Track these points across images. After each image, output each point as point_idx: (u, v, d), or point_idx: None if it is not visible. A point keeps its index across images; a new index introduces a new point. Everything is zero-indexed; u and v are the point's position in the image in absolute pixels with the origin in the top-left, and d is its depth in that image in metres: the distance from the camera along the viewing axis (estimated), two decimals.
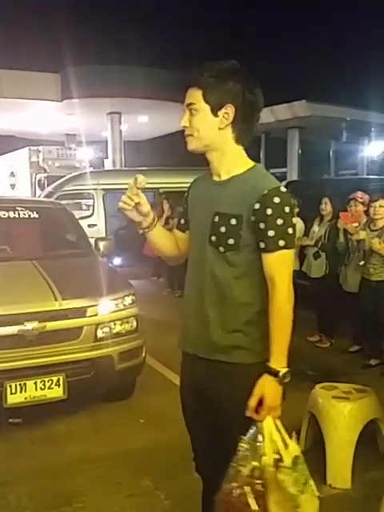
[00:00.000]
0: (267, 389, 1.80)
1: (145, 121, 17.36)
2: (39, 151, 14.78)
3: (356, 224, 5.20)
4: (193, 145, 1.92)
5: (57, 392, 3.63)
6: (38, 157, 14.66)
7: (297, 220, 6.17)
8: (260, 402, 1.79)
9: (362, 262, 5.04)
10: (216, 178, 1.96)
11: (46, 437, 3.75)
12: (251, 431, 1.79)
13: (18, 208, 4.84)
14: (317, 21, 32.39)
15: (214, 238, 1.88)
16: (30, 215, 4.85)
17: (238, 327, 1.87)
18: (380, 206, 4.86)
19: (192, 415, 2.08)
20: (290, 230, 1.82)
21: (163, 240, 2.09)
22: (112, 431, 3.84)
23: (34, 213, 4.89)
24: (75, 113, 14.91)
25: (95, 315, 3.85)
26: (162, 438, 3.69)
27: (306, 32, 31.39)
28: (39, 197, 11.86)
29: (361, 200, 5.48)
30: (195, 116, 1.88)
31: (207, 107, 1.86)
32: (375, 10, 30.22)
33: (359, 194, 5.59)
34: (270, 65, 25.70)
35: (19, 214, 4.80)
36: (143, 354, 4.21)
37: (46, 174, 14.06)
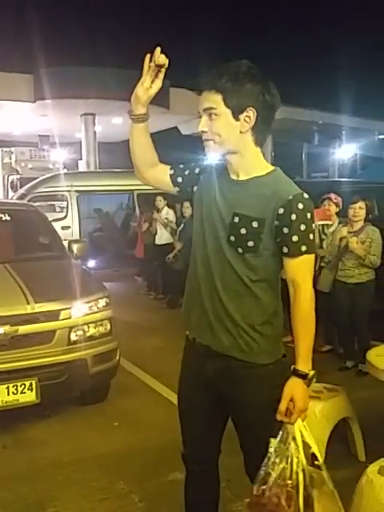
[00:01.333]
0: (297, 392, 1.81)
1: (119, 122, 17.28)
2: (12, 152, 14.60)
3: (329, 222, 5.23)
4: (213, 150, 1.90)
5: (30, 396, 3.60)
6: (11, 158, 14.50)
7: None
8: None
9: (327, 257, 5.09)
10: (233, 177, 1.94)
11: (19, 441, 3.71)
12: (281, 434, 1.82)
13: None
14: (289, 25, 32.76)
15: (233, 239, 1.87)
16: (1, 217, 4.79)
17: (256, 327, 1.89)
18: (360, 208, 4.90)
19: (196, 408, 2.06)
20: (312, 236, 1.85)
21: (148, 140, 2.06)
22: (86, 435, 3.82)
23: (6, 215, 4.84)
24: (48, 114, 14.78)
25: (68, 318, 3.82)
26: (136, 440, 3.69)
27: (279, 36, 31.75)
28: (11, 199, 11.72)
29: (335, 200, 5.55)
30: (215, 121, 1.84)
31: (228, 111, 1.82)
32: (348, 14, 30.74)
33: (333, 195, 5.66)
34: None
35: None
36: (117, 357, 4.20)
37: (18, 176, 13.91)
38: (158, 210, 8.66)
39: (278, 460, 1.79)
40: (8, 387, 3.53)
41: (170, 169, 2.09)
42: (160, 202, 8.66)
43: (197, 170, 2.07)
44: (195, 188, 2.05)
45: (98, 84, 13.92)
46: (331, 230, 5.30)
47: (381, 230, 4.94)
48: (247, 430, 1.97)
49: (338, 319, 5.22)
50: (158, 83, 1.94)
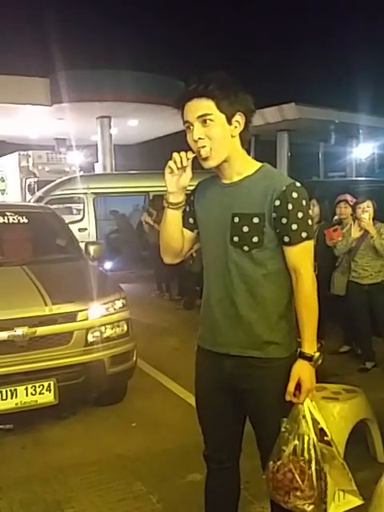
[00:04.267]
0: (304, 373, 1.90)
1: (135, 124, 17.36)
2: (29, 156, 14.71)
3: (340, 238, 5.20)
4: (213, 161, 1.91)
5: (48, 397, 3.62)
6: (28, 161, 14.60)
7: None
8: (297, 387, 1.90)
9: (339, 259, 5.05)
10: (226, 181, 1.99)
11: (37, 442, 3.74)
12: (291, 413, 1.91)
13: (7, 213, 4.83)
14: (305, 24, 32.60)
15: (236, 239, 1.92)
16: (19, 220, 4.83)
17: (271, 323, 1.94)
18: (368, 207, 4.92)
19: (216, 412, 2.10)
20: (310, 222, 1.92)
21: (178, 228, 2.07)
22: (103, 436, 3.83)
23: (24, 218, 4.88)
24: (65, 117, 14.89)
25: (86, 319, 3.84)
26: (154, 441, 3.70)
27: (295, 36, 31.61)
28: (29, 201, 11.83)
29: (351, 203, 5.51)
30: (212, 127, 1.87)
31: (223, 116, 1.87)
32: (363, 13, 30.48)
33: (349, 196, 5.63)
34: (260, 68, 25.85)
35: (8, 219, 4.78)
36: (134, 358, 4.20)
37: (35, 179, 14.01)
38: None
39: (290, 438, 1.89)
40: (26, 388, 3.56)
41: (187, 230, 2.11)
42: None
43: (191, 197, 2.12)
44: (195, 208, 2.09)
45: (114, 87, 13.99)
46: (345, 230, 5.26)
47: None
48: (265, 425, 2.00)
49: (356, 321, 5.17)
50: (188, 173, 1.94)
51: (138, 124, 17.29)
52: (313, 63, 27.58)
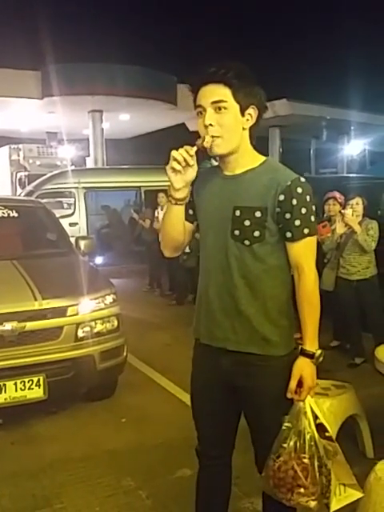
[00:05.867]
0: (305, 370, 1.89)
1: (126, 119, 17.28)
2: (20, 149, 14.61)
3: (329, 234, 5.23)
4: (221, 149, 1.86)
5: (37, 392, 3.60)
6: (19, 155, 14.50)
7: None
8: (298, 384, 1.90)
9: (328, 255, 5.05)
10: (228, 173, 1.95)
11: (26, 437, 3.72)
12: (292, 410, 1.91)
13: None
14: (297, 21, 32.58)
15: (237, 233, 1.88)
16: (9, 214, 4.79)
17: (270, 319, 1.92)
18: (356, 204, 4.94)
19: (212, 407, 2.07)
20: (313, 218, 1.89)
21: (181, 222, 2.03)
22: (93, 431, 3.82)
23: (14, 212, 4.84)
24: (56, 111, 14.77)
25: (76, 315, 3.82)
26: (144, 437, 3.69)
27: (287, 32, 31.58)
28: (19, 195, 11.75)
29: (340, 200, 5.53)
30: (225, 115, 1.83)
31: (237, 107, 1.83)
32: (354, 9, 30.53)
33: (337, 194, 5.65)
34: (251, 64, 25.69)
35: None
36: (125, 353, 4.19)
37: (26, 173, 13.92)
38: (162, 208, 8.65)
39: (291, 435, 1.88)
40: (16, 383, 3.54)
41: (187, 222, 2.08)
42: (162, 198, 8.66)
43: (191, 188, 2.05)
44: (195, 199, 2.06)
45: (106, 80, 13.92)
46: (333, 227, 5.28)
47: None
48: (261, 423, 1.99)
49: (345, 317, 5.20)
50: (194, 166, 1.84)
51: (129, 118, 17.21)
52: (304, 59, 27.61)
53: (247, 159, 1.93)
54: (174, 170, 1.83)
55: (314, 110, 17.52)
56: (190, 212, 2.08)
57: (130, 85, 14.10)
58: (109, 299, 4.08)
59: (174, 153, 1.81)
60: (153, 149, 20.93)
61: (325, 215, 5.70)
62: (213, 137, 1.83)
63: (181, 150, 1.81)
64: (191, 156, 1.81)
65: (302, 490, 1.86)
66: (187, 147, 1.82)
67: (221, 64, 1.84)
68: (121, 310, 4.21)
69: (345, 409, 3.22)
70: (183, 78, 15.26)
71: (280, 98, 16.90)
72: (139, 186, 11.44)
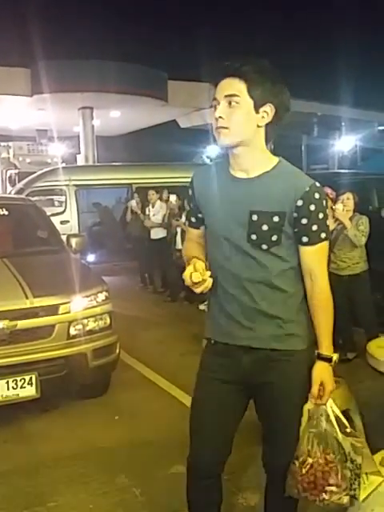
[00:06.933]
0: (325, 375, 1.92)
1: (117, 116, 17.23)
2: (9, 147, 14.54)
3: None
4: (228, 140, 1.84)
5: (30, 391, 3.59)
6: (9, 153, 14.44)
7: None
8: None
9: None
10: (241, 175, 1.91)
11: (19, 436, 3.70)
12: (314, 413, 1.95)
13: None
14: (288, 15, 32.58)
15: (254, 237, 1.86)
16: None
17: (291, 316, 1.93)
18: (347, 199, 4.96)
19: (221, 408, 2.01)
20: (328, 222, 1.91)
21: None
22: (86, 429, 3.81)
23: (4, 210, 4.82)
24: (46, 108, 14.71)
25: (68, 312, 3.81)
26: (137, 434, 3.69)
27: (278, 27, 31.55)
28: (10, 193, 11.69)
29: (331, 196, 5.54)
30: (236, 109, 1.81)
31: (251, 102, 1.81)
32: (344, 6, 30.59)
33: (328, 189, 5.65)
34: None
35: None
36: (117, 351, 4.19)
37: (16, 170, 13.85)
38: (153, 205, 8.66)
39: (313, 438, 1.93)
40: (8, 382, 3.52)
41: (194, 229, 2.08)
42: (153, 196, 8.65)
43: (190, 192, 2.05)
44: (199, 203, 2.02)
45: (96, 77, 13.87)
46: None
47: (376, 220, 5.00)
48: (280, 418, 1.98)
49: (336, 312, 5.21)
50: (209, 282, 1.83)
51: (120, 115, 17.16)
52: (295, 56, 27.63)
53: (260, 159, 1.89)
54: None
55: (305, 106, 17.57)
56: (193, 219, 2.06)
57: (121, 81, 14.05)
58: (101, 297, 4.07)
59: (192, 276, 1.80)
60: (144, 146, 20.91)
61: None
62: (220, 127, 1.83)
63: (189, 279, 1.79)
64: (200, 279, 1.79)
65: (334, 488, 1.91)
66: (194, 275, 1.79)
67: (240, 59, 1.84)
68: (113, 307, 4.20)
69: (338, 404, 3.22)
70: (174, 74, 15.26)
71: None
72: (130, 184, 11.41)
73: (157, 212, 8.60)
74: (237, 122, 1.82)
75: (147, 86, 14.67)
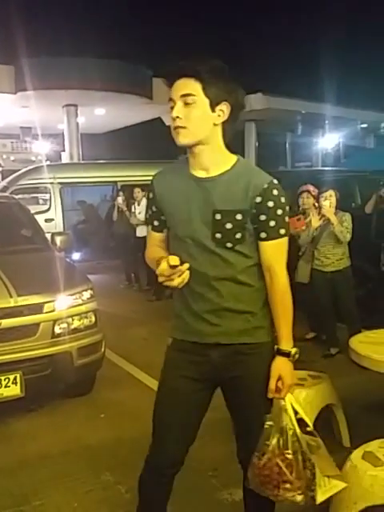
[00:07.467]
0: (284, 369, 1.95)
1: (102, 113, 17.15)
2: None
3: (304, 227, 5.28)
4: (186, 139, 1.86)
5: (14, 390, 3.58)
6: None
7: None
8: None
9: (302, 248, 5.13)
10: (201, 174, 1.93)
11: (4, 435, 3.69)
12: (273, 408, 1.97)
13: None
14: (271, 13, 32.68)
15: (219, 236, 1.89)
16: None
17: (257, 310, 1.98)
18: (330, 196, 5.00)
19: (185, 407, 2.04)
20: (287, 219, 1.95)
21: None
22: (72, 427, 3.81)
23: None
24: (30, 105, 14.58)
25: (52, 311, 3.80)
26: (123, 432, 3.69)
27: (262, 27, 31.64)
28: None
29: (313, 193, 5.59)
30: (192, 108, 1.83)
31: (207, 101, 1.84)
32: (328, 6, 30.74)
33: (311, 187, 5.70)
34: (227, 59, 25.72)
35: None
36: (103, 349, 4.18)
37: (0, 168, 13.75)
38: (138, 203, 8.63)
39: (274, 432, 1.93)
40: None
41: (157, 233, 2.09)
42: (138, 193, 8.63)
43: (151, 195, 2.06)
44: (161, 206, 2.03)
45: (80, 74, 13.78)
46: (307, 220, 5.33)
47: (359, 217, 5.05)
48: (250, 410, 2.00)
49: (319, 308, 5.27)
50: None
51: (105, 113, 17.09)
52: (280, 54, 27.73)
53: (220, 157, 1.92)
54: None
55: (289, 104, 17.65)
56: (156, 223, 2.07)
57: (105, 79, 13.99)
58: (86, 295, 4.06)
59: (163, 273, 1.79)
60: (129, 143, 20.84)
61: (299, 208, 5.75)
62: (178, 127, 1.85)
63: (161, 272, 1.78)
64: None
65: (288, 485, 1.90)
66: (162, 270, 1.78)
67: (195, 58, 1.85)
68: (98, 305, 4.19)
69: (321, 398, 3.27)
70: (159, 71, 15.21)
71: (255, 92, 16.97)
72: (115, 181, 11.37)
73: (143, 209, 8.58)
74: (194, 122, 1.84)
75: (132, 83, 14.62)
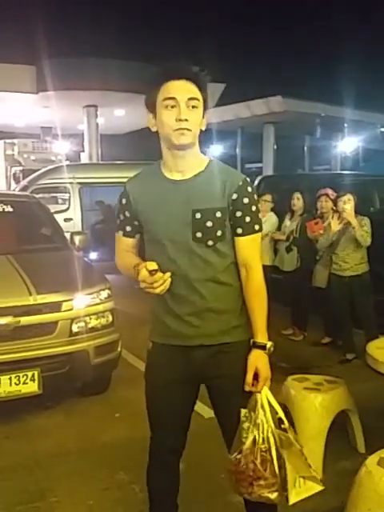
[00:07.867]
0: (260, 362, 1.97)
1: (121, 114, 17.27)
2: (14, 144, 14.59)
3: (321, 231, 5.26)
4: (189, 139, 1.90)
5: (32, 387, 3.62)
6: (13, 150, 14.48)
7: (271, 214, 6.24)
8: (254, 376, 1.96)
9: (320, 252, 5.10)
10: (177, 176, 1.97)
11: (21, 432, 3.73)
12: (249, 403, 1.95)
13: None
14: (291, 16, 32.57)
15: (199, 235, 1.92)
16: (4, 209, 4.81)
17: (237, 308, 2.02)
18: (348, 200, 4.97)
19: (175, 407, 2.09)
20: (260, 215, 2.05)
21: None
22: (87, 425, 3.84)
23: (9, 206, 4.85)
24: (51, 105, 14.75)
25: (70, 310, 3.84)
26: (138, 431, 3.68)
27: (282, 29, 31.55)
28: (14, 190, 11.72)
29: (332, 197, 5.56)
30: (195, 113, 1.89)
31: (202, 106, 1.91)
32: (350, 6, 30.54)
33: (329, 190, 5.67)
34: (246, 61, 25.80)
35: None
36: (119, 348, 4.22)
37: (21, 168, 13.89)
38: None
39: (250, 428, 1.92)
40: (10, 378, 3.56)
41: (129, 238, 2.10)
42: None
43: (124, 200, 2.07)
44: (137, 210, 2.04)
45: (101, 75, 13.89)
46: (325, 224, 5.31)
47: (378, 221, 5.00)
48: (231, 410, 2.00)
49: (336, 313, 5.24)
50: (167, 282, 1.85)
51: (124, 114, 17.20)
52: (299, 57, 27.61)
53: (197, 160, 1.98)
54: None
55: (308, 106, 17.57)
56: (128, 228, 2.07)
57: (125, 80, 14.07)
58: (103, 294, 4.10)
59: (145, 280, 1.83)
60: (148, 144, 20.91)
61: (318, 212, 5.73)
62: (184, 129, 1.86)
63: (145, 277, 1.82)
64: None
65: (261, 482, 1.87)
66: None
67: (186, 63, 1.92)
68: (115, 305, 4.22)
69: (337, 404, 3.26)
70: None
71: (275, 95, 16.94)
72: None
73: None
74: (196, 125, 1.90)
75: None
